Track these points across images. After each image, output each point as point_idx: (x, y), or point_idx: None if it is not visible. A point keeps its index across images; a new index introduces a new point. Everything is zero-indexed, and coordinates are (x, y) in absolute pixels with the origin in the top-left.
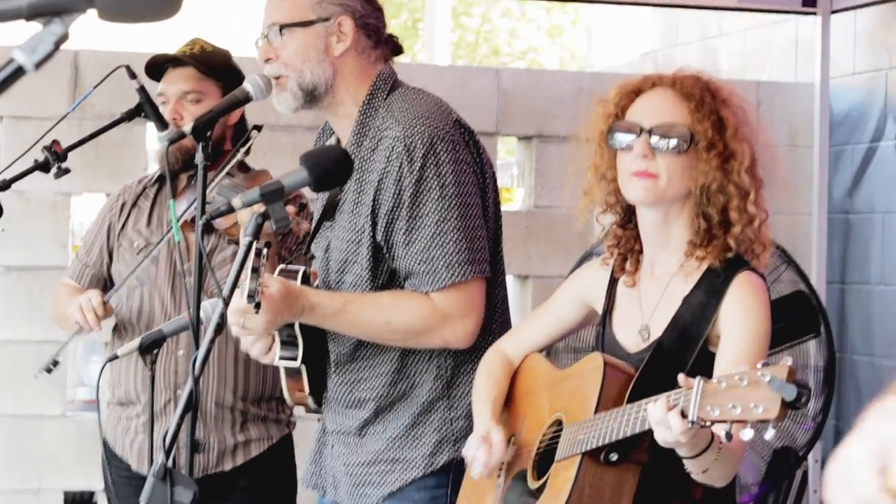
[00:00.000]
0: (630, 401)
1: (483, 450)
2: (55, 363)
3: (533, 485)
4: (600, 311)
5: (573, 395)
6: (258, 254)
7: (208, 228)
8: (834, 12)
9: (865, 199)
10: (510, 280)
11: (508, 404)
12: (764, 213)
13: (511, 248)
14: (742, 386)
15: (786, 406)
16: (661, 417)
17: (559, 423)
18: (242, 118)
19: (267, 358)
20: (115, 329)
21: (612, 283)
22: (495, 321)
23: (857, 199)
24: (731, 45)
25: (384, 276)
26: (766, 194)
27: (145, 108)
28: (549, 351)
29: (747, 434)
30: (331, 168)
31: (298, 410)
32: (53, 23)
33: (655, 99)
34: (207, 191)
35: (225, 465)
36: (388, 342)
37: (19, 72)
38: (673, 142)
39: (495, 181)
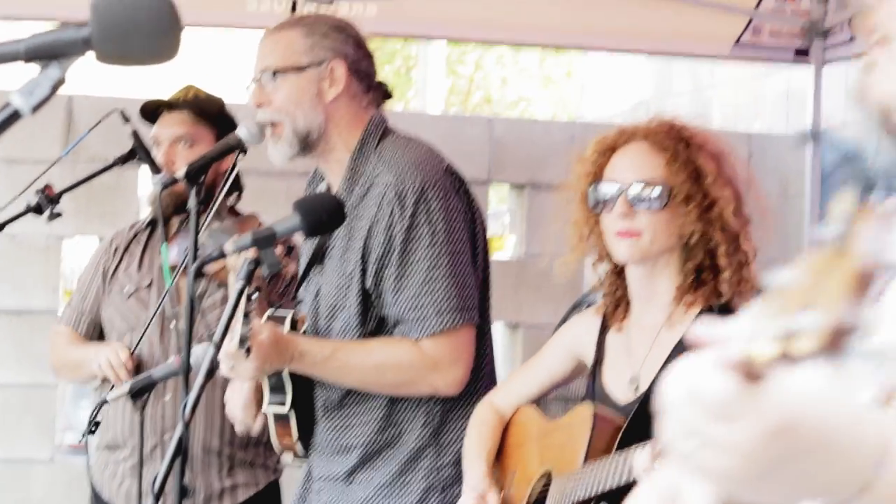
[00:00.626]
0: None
1: None
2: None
3: None
4: (590, 363)
5: (563, 447)
6: (248, 298)
7: (198, 273)
8: (827, 63)
9: None
10: (501, 328)
11: (499, 457)
12: (752, 253)
13: (502, 296)
14: None
15: None
16: (647, 466)
17: (548, 475)
18: (234, 164)
19: (255, 427)
20: None
21: (602, 333)
22: (483, 369)
23: None
24: (723, 95)
25: (373, 322)
26: (758, 243)
27: (139, 153)
28: (539, 401)
29: None
30: (324, 215)
31: (286, 458)
32: (51, 66)
33: (631, 154)
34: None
35: None
36: (376, 389)
37: (15, 115)
38: (652, 198)
39: (485, 229)
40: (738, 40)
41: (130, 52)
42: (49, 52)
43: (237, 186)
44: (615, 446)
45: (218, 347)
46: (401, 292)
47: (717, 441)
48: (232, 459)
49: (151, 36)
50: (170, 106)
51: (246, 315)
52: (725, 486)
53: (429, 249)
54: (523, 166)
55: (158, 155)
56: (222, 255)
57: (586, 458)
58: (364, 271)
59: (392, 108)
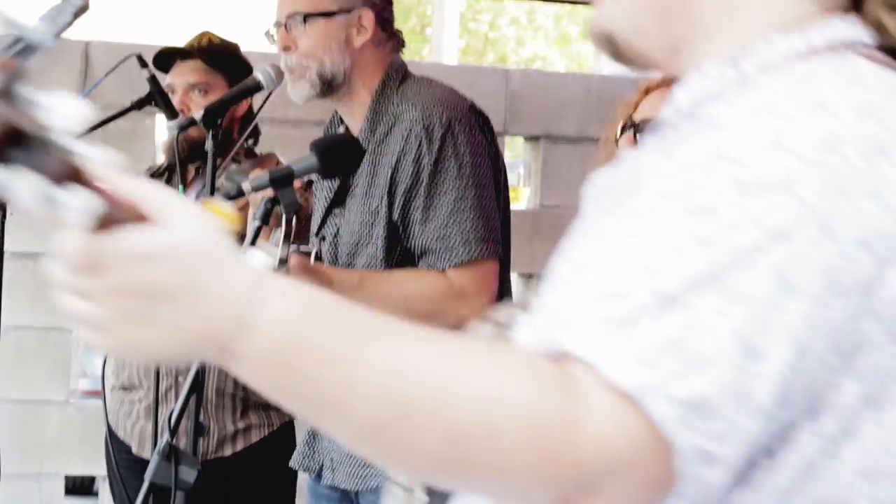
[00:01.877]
0: None
1: None
2: None
3: None
4: None
5: None
6: (289, 221)
7: None
8: None
9: None
10: (515, 278)
11: None
12: None
13: (516, 247)
14: None
15: None
16: None
17: None
18: (250, 109)
19: None
20: None
21: None
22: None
23: None
24: None
25: (398, 257)
26: None
27: (155, 97)
28: None
29: None
30: (340, 154)
31: None
32: None
33: (655, 97)
34: (218, 180)
35: (225, 451)
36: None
37: (38, 43)
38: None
39: (506, 169)
40: None
41: None
42: None
43: (254, 131)
44: None
45: None
46: (428, 223)
47: (86, 293)
48: (245, 402)
49: None
50: (183, 55)
51: (287, 237)
52: (109, 339)
53: (456, 181)
54: (538, 118)
55: (173, 102)
56: (240, 194)
57: None
58: (391, 204)
59: (408, 59)
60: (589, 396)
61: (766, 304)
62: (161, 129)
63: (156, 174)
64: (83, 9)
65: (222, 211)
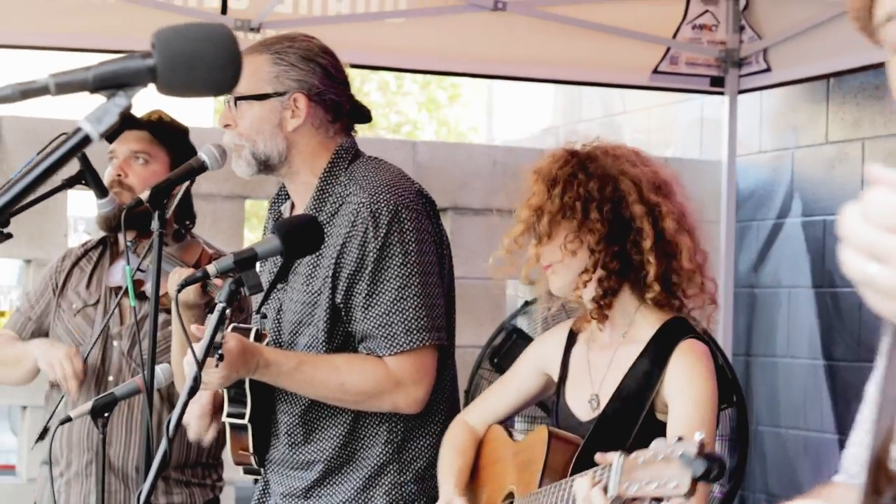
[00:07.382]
0: (575, 471)
1: None
2: (45, 431)
3: None
4: (556, 379)
5: (524, 468)
6: (223, 309)
7: (140, 296)
8: (741, 92)
9: (771, 273)
10: None
11: (473, 475)
12: (687, 256)
13: None
14: (657, 461)
15: (696, 481)
16: (586, 493)
17: (511, 495)
18: (187, 192)
19: (207, 438)
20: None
21: (568, 349)
22: (446, 388)
23: (763, 274)
24: (635, 122)
25: (340, 338)
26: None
27: (86, 176)
28: (511, 419)
29: None
30: (302, 237)
31: (229, 475)
32: (118, 95)
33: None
34: (145, 260)
35: None
36: (339, 403)
37: (86, 141)
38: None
39: (450, 252)
40: (655, 69)
41: (193, 83)
42: (116, 82)
43: (190, 213)
44: (572, 466)
45: (200, 365)
46: (370, 309)
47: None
48: (167, 480)
49: (214, 67)
50: (131, 124)
51: (220, 323)
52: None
53: (400, 269)
54: (446, 189)
55: (111, 168)
56: (206, 277)
57: (542, 479)
58: (335, 287)
59: None
60: None
61: None
62: (73, 203)
63: (91, 248)
64: (128, 109)
65: None
